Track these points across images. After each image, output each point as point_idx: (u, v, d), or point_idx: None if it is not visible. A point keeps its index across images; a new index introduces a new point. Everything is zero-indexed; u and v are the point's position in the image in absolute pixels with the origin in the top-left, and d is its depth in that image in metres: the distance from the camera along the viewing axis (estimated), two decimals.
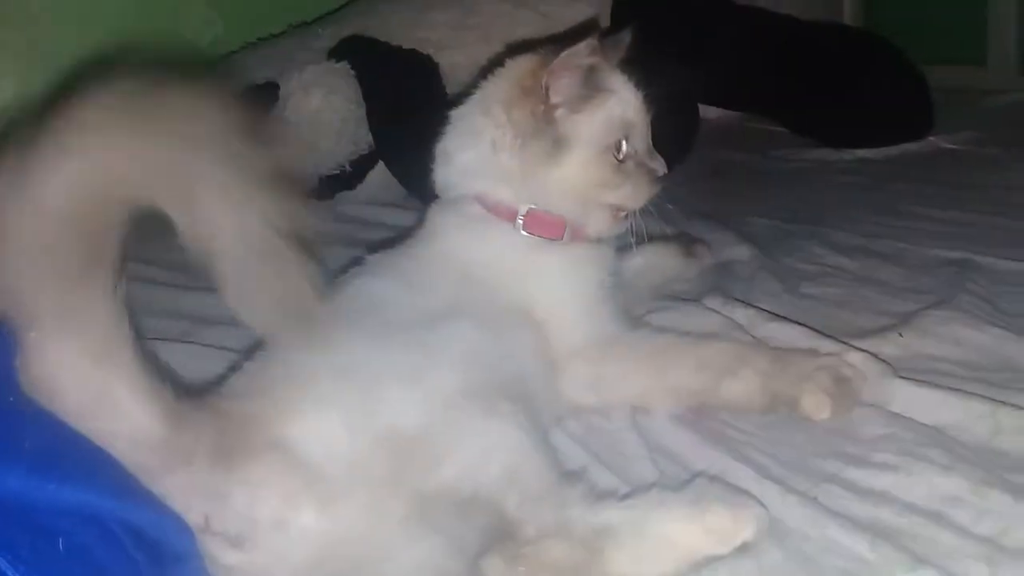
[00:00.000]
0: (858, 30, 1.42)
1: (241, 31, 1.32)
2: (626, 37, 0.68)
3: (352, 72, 1.04)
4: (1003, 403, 0.54)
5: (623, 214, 0.65)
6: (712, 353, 0.61)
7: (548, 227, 0.64)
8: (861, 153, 1.13)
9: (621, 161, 0.64)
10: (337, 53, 1.06)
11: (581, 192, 0.64)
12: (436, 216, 0.66)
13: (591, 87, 0.63)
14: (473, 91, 0.67)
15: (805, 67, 1.14)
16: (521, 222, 0.63)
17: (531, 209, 0.63)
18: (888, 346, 0.64)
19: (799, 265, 0.82)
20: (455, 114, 0.66)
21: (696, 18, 1.13)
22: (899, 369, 0.59)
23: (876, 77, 1.13)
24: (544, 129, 0.62)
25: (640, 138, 0.66)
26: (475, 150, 0.64)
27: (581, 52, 0.61)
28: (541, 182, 0.63)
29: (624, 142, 0.64)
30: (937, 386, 0.57)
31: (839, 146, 1.14)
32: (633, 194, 0.65)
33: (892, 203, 0.95)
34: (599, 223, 0.65)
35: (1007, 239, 0.81)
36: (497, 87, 0.65)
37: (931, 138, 1.14)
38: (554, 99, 0.62)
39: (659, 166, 0.66)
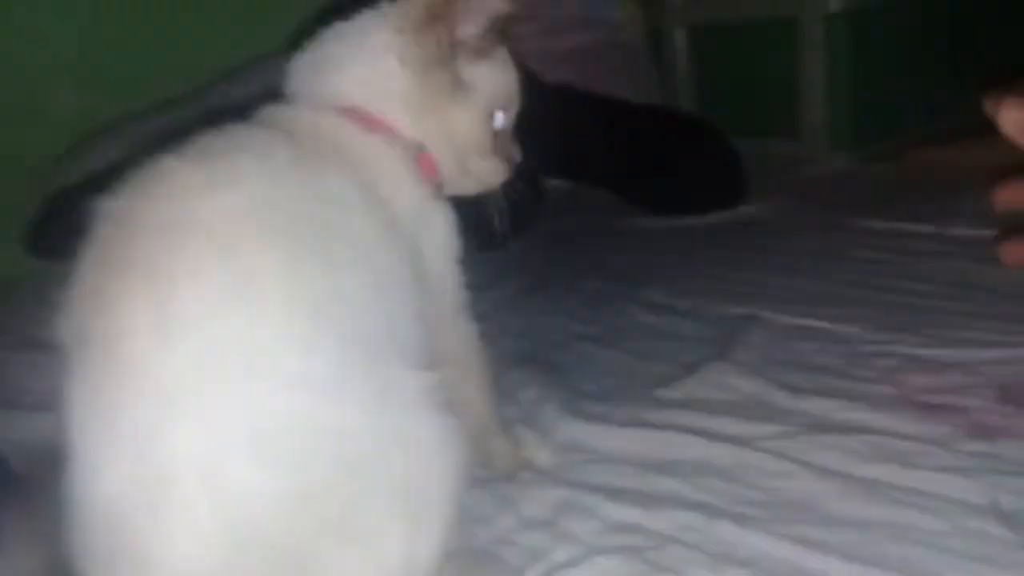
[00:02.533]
0: (680, 111, 1.58)
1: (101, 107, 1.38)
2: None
3: None
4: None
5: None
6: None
7: (433, 172, 0.61)
8: (681, 222, 1.26)
9: (495, 133, 0.63)
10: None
11: (467, 145, 0.62)
12: (310, 120, 0.57)
13: (492, 40, 0.61)
14: (361, 10, 0.62)
15: (631, 142, 1.27)
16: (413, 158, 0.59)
17: (422, 148, 0.60)
18: (675, 392, 0.76)
19: (615, 322, 0.93)
20: (348, 26, 0.61)
21: (538, 100, 1.25)
22: (680, 409, 0.71)
23: (692, 152, 1.28)
24: (448, 65, 0.59)
25: (509, 119, 0.65)
26: (377, 65, 0.59)
27: None
28: (440, 118, 0.60)
29: (501, 114, 0.63)
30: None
31: (663, 214, 1.27)
32: (496, 169, 0.64)
33: (701, 266, 1.07)
34: (464, 184, 0.63)
35: (788, 297, 0.94)
36: (404, 8, 0.60)
37: (744, 207, 1.29)
38: (460, 35, 0.59)
39: (516, 152, 0.66)
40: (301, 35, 0.63)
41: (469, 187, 0.65)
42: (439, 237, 0.61)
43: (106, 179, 1.09)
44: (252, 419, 0.42)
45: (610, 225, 1.29)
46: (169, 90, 1.37)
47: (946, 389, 0.71)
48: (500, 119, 0.63)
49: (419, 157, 0.60)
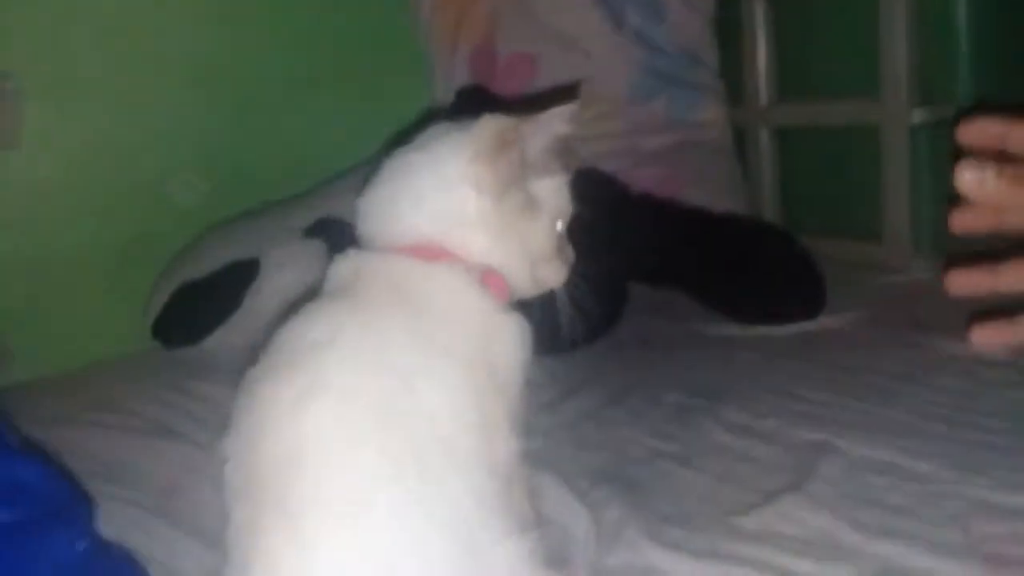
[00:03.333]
0: (761, 219, 1.63)
1: (227, 197, 1.50)
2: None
3: (325, 248, 1.21)
4: None
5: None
6: None
7: (502, 288, 0.65)
8: (762, 330, 1.30)
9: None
10: (312, 232, 1.24)
11: (538, 255, 0.67)
12: (384, 274, 0.61)
13: (554, 155, 0.66)
14: (429, 141, 0.66)
15: (712, 250, 1.33)
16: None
17: (488, 268, 0.63)
18: (751, 523, 0.80)
19: (695, 441, 0.98)
20: (418, 157, 0.64)
21: (621, 208, 1.32)
22: (755, 542, 0.76)
23: (772, 262, 1.33)
24: (520, 185, 0.63)
25: (565, 224, 0.70)
26: (452, 197, 0.62)
27: (563, 115, 0.64)
28: (514, 235, 0.64)
29: (560, 221, 0.69)
30: None
31: (743, 322, 1.32)
32: (557, 269, 0.69)
33: (779, 383, 1.11)
34: (527, 289, 0.68)
35: (864, 424, 0.97)
36: (476, 136, 0.63)
37: (823, 318, 1.32)
38: (529, 156, 0.63)
39: (571, 253, 0.71)
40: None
41: (530, 291, 0.69)
42: (508, 350, 0.63)
43: (228, 277, 1.21)
44: None
45: (690, 331, 1.34)
46: (295, 182, 1.47)
47: (1017, 539, 0.73)
48: (560, 225, 0.69)
49: (486, 276, 0.64)
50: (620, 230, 1.30)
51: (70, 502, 0.57)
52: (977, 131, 0.40)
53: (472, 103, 1.56)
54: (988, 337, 0.39)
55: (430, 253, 0.63)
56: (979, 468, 0.85)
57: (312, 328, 0.58)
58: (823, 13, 1.68)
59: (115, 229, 1.42)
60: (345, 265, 0.64)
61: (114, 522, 0.78)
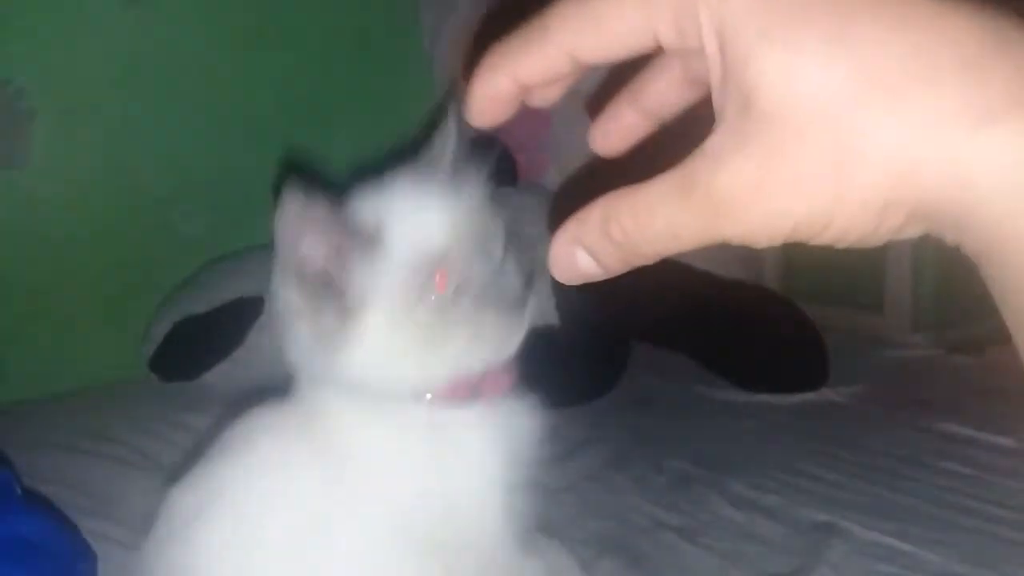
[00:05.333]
0: (765, 288, 1.62)
1: (234, 227, 1.48)
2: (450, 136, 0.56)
3: None
4: None
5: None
6: None
7: (449, 392, 0.55)
8: (765, 397, 1.30)
9: (443, 302, 0.52)
10: None
11: (445, 342, 0.52)
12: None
13: (351, 227, 0.51)
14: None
15: (716, 314, 1.33)
16: None
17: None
18: None
19: (700, 514, 0.97)
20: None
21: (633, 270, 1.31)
22: None
23: (776, 332, 1.33)
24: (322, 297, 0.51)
25: (472, 260, 0.53)
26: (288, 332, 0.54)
27: (296, 209, 0.49)
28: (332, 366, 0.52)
29: (440, 276, 0.52)
30: None
31: (747, 388, 1.31)
32: (481, 340, 0.53)
33: (783, 457, 1.10)
34: (491, 351, 0.55)
35: (869, 507, 0.96)
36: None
37: (825, 389, 1.32)
38: (314, 263, 0.50)
39: (516, 283, 0.55)
40: None
41: (497, 351, 0.56)
42: (472, 459, 0.55)
43: (231, 314, 1.18)
44: None
45: (692, 394, 1.34)
46: None
47: None
48: (446, 282, 0.52)
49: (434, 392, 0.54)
50: (630, 290, 1.30)
51: (75, 557, 0.55)
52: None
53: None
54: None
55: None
56: (990, 562, 0.84)
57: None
58: None
59: (117, 254, 1.40)
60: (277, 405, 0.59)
61: None
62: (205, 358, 1.19)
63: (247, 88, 1.52)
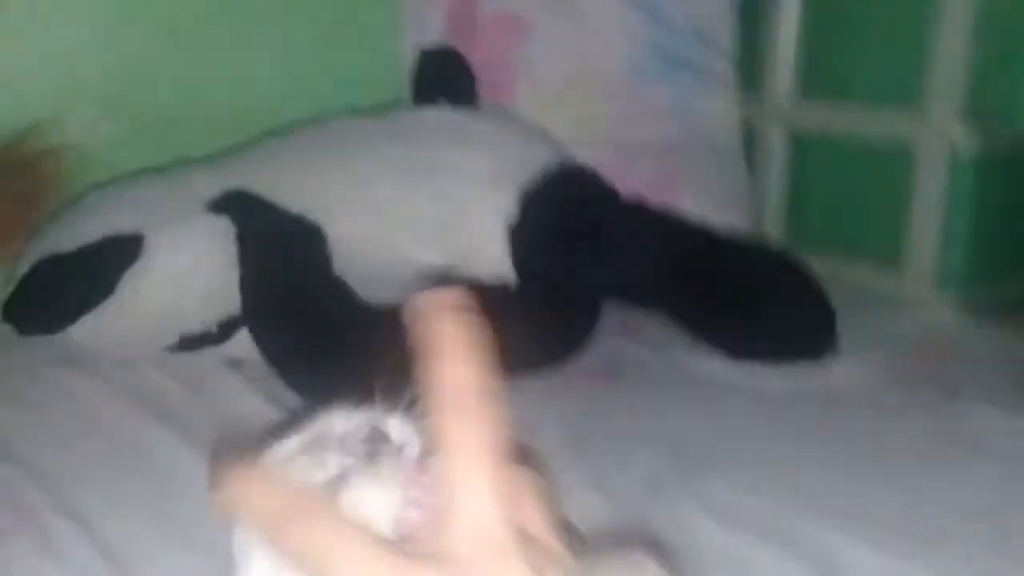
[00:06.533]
0: (768, 243, 1.42)
1: (138, 143, 1.27)
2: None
3: (233, 229, 0.97)
4: None
5: None
6: None
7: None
8: (758, 370, 1.09)
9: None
10: (218, 206, 0.99)
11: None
12: None
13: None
14: None
15: (707, 274, 1.11)
16: None
17: None
18: None
19: (668, 527, 0.76)
20: None
21: (607, 218, 1.10)
22: None
23: (777, 292, 1.12)
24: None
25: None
26: None
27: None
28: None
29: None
30: None
31: (737, 358, 1.10)
32: None
33: (778, 450, 0.90)
34: None
35: (885, 521, 0.76)
36: None
37: (833, 363, 1.11)
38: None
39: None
40: None
41: None
42: None
43: (102, 254, 0.96)
44: None
45: (670, 363, 1.12)
46: (224, 134, 1.25)
47: None
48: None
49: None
50: (603, 241, 1.08)
51: None
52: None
53: (439, 69, 1.34)
54: None
55: None
56: None
57: None
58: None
59: None
60: None
61: None
62: (68, 309, 0.97)
63: None
